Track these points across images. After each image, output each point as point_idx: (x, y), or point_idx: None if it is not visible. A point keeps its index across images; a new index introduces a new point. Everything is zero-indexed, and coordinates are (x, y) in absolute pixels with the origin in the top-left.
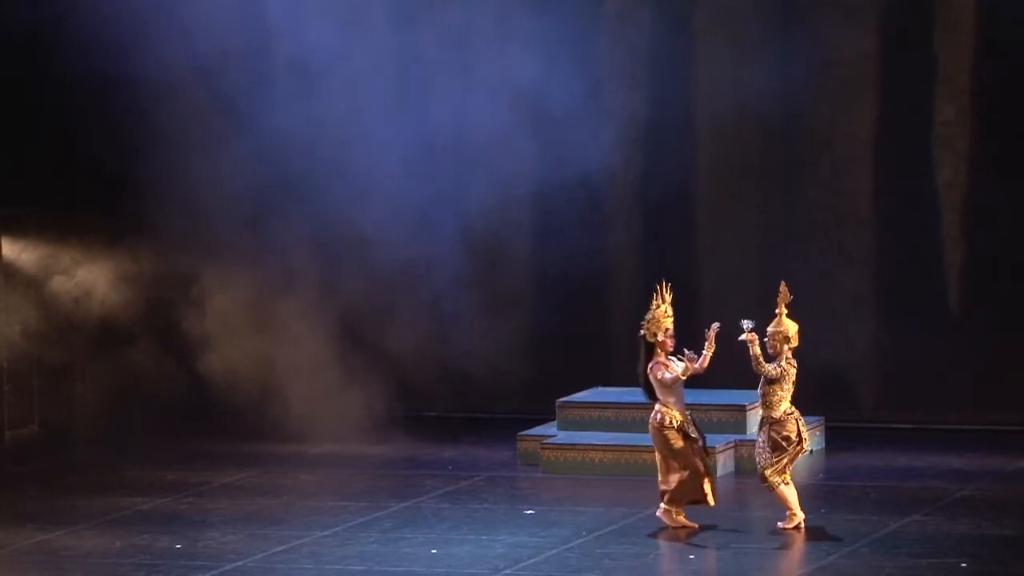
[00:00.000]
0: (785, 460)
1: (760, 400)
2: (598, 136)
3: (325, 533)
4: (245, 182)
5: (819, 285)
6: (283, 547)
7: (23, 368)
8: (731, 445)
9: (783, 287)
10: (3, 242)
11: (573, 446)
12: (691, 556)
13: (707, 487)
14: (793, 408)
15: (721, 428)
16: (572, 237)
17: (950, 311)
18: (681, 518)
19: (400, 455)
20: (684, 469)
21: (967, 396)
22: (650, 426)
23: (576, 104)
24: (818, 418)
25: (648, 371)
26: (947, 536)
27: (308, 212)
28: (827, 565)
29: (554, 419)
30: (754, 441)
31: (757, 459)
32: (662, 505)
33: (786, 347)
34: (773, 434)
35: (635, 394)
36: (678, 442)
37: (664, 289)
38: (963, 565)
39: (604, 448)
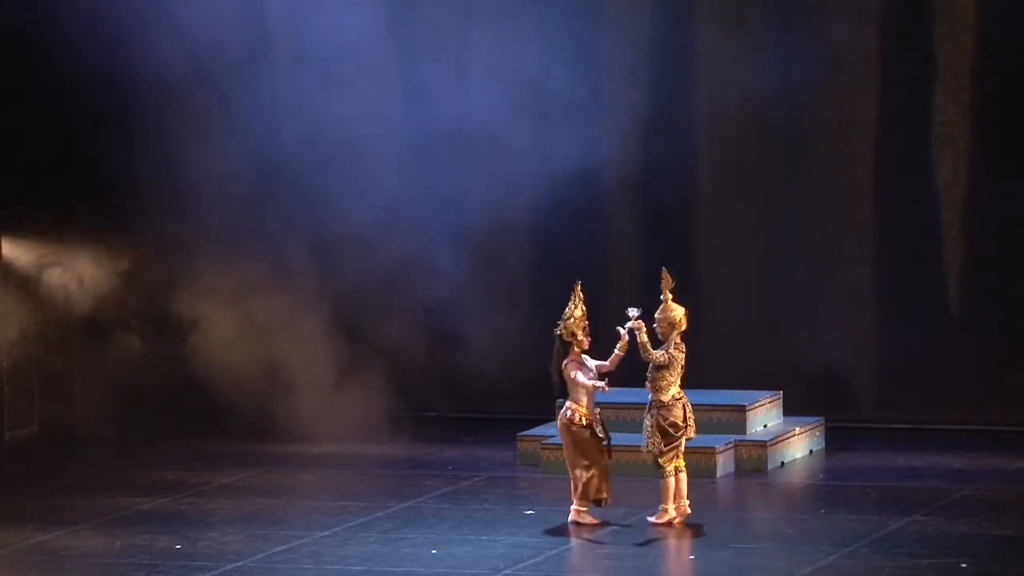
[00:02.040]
0: (676, 447)
1: (649, 384)
2: (598, 136)
3: (325, 533)
4: (244, 181)
5: (819, 285)
6: (283, 547)
7: (23, 368)
8: (731, 445)
9: (665, 273)
10: (3, 242)
11: None
12: (691, 556)
13: (607, 486)
14: (682, 393)
15: (721, 428)
16: (572, 237)
17: (950, 311)
18: (587, 517)
19: (400, 455)
20: (591, 467)
21: (967, 396)
22: (559, 423)
23: (576, 102)
24: (818, 418)
25: (563, 368)
26: (947, 536)
27: (308, 211)
28: (827, 565)
29: (554, 419)
30: (756, 441)
31: (646, 442)
32: (573, 506)
33: (674, 332)
34: (660, 420)
35: (635, 394)
36: (586, 440)
37: (580, 289)
38: (963, 565)
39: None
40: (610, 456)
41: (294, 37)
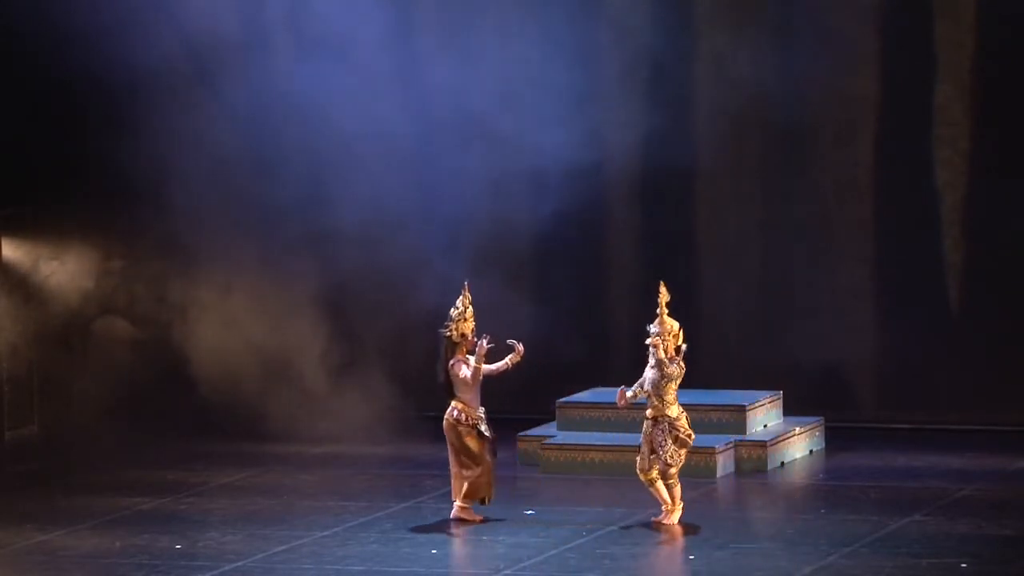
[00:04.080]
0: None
1: (655, 399)
2: (598, 135)
3: (325, 533)
4: (243, 179)
5: (819, 285)
6: (283, 547)
7: (23, 368)
8: (731, 445)
9: (663, 287)
10: (3, 242)
11: (573, 446)
12: (691, 556)
13: (491, 485)
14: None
15: (721, 428)
16: (573, 236)
17: (950, 311)
18: (471, 514)
19: (400, 455)
20: (477, 466)
21: (967, 396)
22: (445, 422)
23: (576, 101)
24: (818, 418)
25: (449, 368)
26: (947, 536)
27: (308, 211)
28: (827, 565)
29: (554, 419)
30: (756, 441)
31: (663, 456)
32: (456, 504)
33: (673, 345)
34: (676, 432)
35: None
36: (472, 439)
37: (468, 289)
38: (963, 565)
39: (604, 448)
40: (495, 455)
41: (292, 32)
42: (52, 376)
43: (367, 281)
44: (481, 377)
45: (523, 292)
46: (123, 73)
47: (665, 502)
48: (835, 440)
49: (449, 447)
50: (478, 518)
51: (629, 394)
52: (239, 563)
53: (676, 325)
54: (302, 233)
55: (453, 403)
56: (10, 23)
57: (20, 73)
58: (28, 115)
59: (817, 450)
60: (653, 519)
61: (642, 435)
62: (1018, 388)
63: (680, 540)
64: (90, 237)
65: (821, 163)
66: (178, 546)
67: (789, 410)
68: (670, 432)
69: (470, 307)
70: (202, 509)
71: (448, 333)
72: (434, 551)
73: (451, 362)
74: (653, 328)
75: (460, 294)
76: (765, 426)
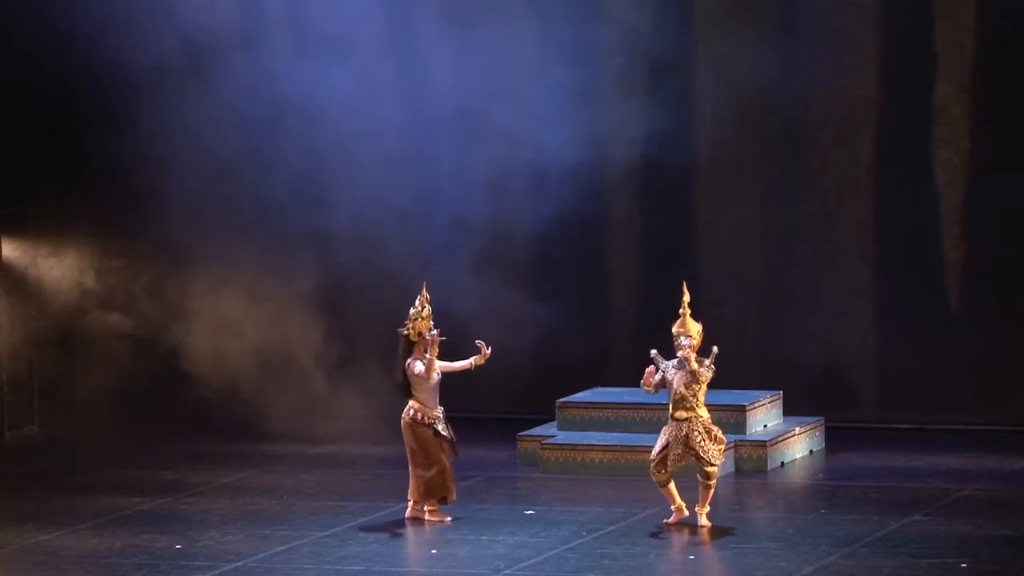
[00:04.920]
0: None
1: (683, 402)
2: (598, 135)
3: (325, 533)
4: (242, 179)
5: (819, 284)
6: (283, 547)
7: (23, 368)
8: (731, 445)
9: (686, 288)
10: (3, 242)
11: (573, 446)
12: (691, 556)
13: (451, 484)
14: None
15: (721, 428)
16: (573, 236)
17: (950, 311)
18: (433, 515)
19: (400, 455)
20: (432, 466)
21: (967, 396)
22: (402, 422)
23: (576, 101)
24: (818, 418)
25: (407, 367)
26: (947, 536)
27: (307, 209)
28: (827, 565)
29: (554, 419)
30: (756, 441)
31: (708, 457)
32: (410, 503)
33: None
34: (714, 432)
35: (635, 394)
36: (428, 439)
37: (426, 290)
38: (963, 565)
39: (604, 448)
40: (456, 454)
41: (290, 30)
42: (52, 376)
43: (366, 280)
44: (439, 374)
45: (523, 292)
46: (121, 72)
47: (676, 503)
48: (835, 440)
49: (407, 447)
50: (446, 518)
51: (657, 378)
52: (239, 563)
53: (699, 327)
54: (301, 232)
55: (410, 402)
56: (9, 23)
57: (19, 73)
58: (27, 115)
59: (817, 450)
60: (665, 521)
61: (667, 436)
62: (1018, 388)
63: (680, 540)
64: (89, 236)
65: (821, 163)
66: (178, 546)
67: (789, 410)
68: (706, 431)
69: (428, 307)
70: (202, 509)
71: (405, 332)
72: (434, 551)
73: (407, 361)
74: (683, 338)
75: (419, 297)
76: (765, 426)
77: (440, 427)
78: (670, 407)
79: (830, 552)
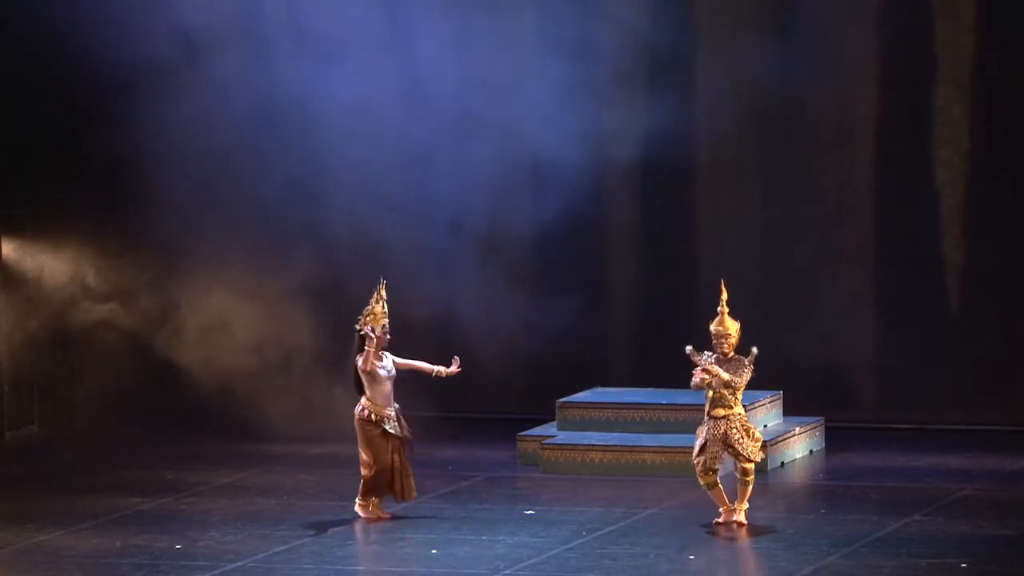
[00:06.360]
0: None
1: (722, 400)
2: (597, 135)
3: (325, 533)
4: (240, 177)
5: (819, 284)
6: (283, 547)
7: (23, 368)
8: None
9: (724, 286)
10: (3, 242)
11: (573, 446)
12: (691, 556)
13: (403, 482)
14: None
15: None
16: (572, 237)
17: (950, 311)
18: (377, 510)
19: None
20: (375, 463)
21: (967, 396)
22: (355, 418)
23: (575, 100)
24: (818, 418)
25: (355, 363)
26: (947, 536)
27: (306, 207)
28: (827, 565)
29: (554, 419)
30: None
31: (747, 454)
32: (358, 501)
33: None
34: (753, 430)
35: (635, 394)
36: (375, 437)
37: (383, 288)
38: (963, 565)
39: (604, 448)
40: (413, 451)
41: (289, 27)
42: (52, 376)
43: (365, 279)
44: (389, 372)
45: (523, 292)
46: (119, 71)
47: (725, 503)
48: (835, 440)
49: (358, 443)
50: (384, 515)
51: (704, 359)
52: (239, 563)
53: (737, 325)
54: (300, 230)
55: (362, 400)
56: (8, 23)
57: (18, 72)
58: (25, 115)
59: (817, 450)
60: (715, 521)
61: (706, 434)
62: (1018, 388)
63: (680, 540)
64: (87, 235)
65: (821, 163)
66: (178, 546)
67: (789, 410)
68: (744, 429)
69: (383, 303)
70: (202, 509)
71: (359, 329)
72: (434, 551)
73: (357, 357)
74: (708, 355)
75: (375, 292)
76: (765, 426)
77: (389, 426)
78: (707, 405)
79: (830, 552)
